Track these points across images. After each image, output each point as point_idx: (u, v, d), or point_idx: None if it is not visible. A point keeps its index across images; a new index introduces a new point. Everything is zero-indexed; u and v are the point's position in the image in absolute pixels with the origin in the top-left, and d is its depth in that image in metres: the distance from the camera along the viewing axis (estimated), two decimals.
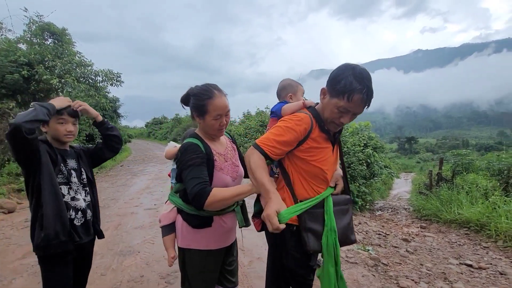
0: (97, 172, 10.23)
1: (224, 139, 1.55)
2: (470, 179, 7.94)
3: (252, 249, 3.23)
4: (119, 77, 11.10)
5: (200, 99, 1.34)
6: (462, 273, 3.16)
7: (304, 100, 1.38)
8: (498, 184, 7.43)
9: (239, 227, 1.50)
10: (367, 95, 1.19)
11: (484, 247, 4.53)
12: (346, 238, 1.34)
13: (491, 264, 3.60)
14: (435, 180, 9.20)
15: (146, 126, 43.44)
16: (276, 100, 1.61)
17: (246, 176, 1.61)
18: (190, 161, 1.28)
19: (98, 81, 10.75)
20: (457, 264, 3.45)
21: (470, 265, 3.41)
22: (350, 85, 1.17)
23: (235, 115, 15.09)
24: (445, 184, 8.19)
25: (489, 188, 6.96)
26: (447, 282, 2.86)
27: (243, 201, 1.55)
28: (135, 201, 5.88)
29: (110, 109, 13.88)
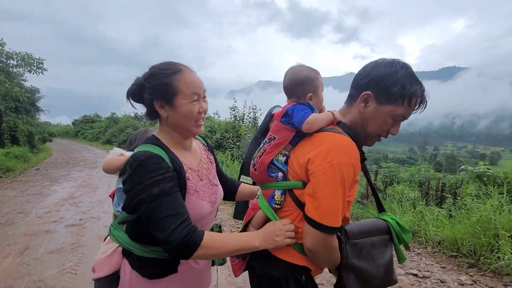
0: (1, 177, 8.20)
1: (196, 146, 1.12)
2: (399, 190, 8.91)
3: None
4: (41, 63, 9.33)
5: (162, 77, 0.91)
6: (413, 284, 3.31)
7: (333, 113, 1.00)
8: (420, 194, 8.51)
9: (214, 265, 1.10)
10: (425, 95, 0.99)
11: (418, 253, 4.95)
12: (389, 278, 1.03)
13: (428, 271, 3.89)
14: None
15: (73, 124, 38.38)
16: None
17: (225, 198, 1.21)
18: (155, 187, 0.82)
19: (10, 65, 8.85)
20: (404, 274, 3.62)
21: (416, 275, 3.62)
22: (411, 86, 0.93)
23: None
24: (379, 194, 9.01)
25: (415, 198, 7.87)
26: None
27: (220, 226, 1.16)
28: (53, 215, 4.75)
29: (26, 100, 11.54)
